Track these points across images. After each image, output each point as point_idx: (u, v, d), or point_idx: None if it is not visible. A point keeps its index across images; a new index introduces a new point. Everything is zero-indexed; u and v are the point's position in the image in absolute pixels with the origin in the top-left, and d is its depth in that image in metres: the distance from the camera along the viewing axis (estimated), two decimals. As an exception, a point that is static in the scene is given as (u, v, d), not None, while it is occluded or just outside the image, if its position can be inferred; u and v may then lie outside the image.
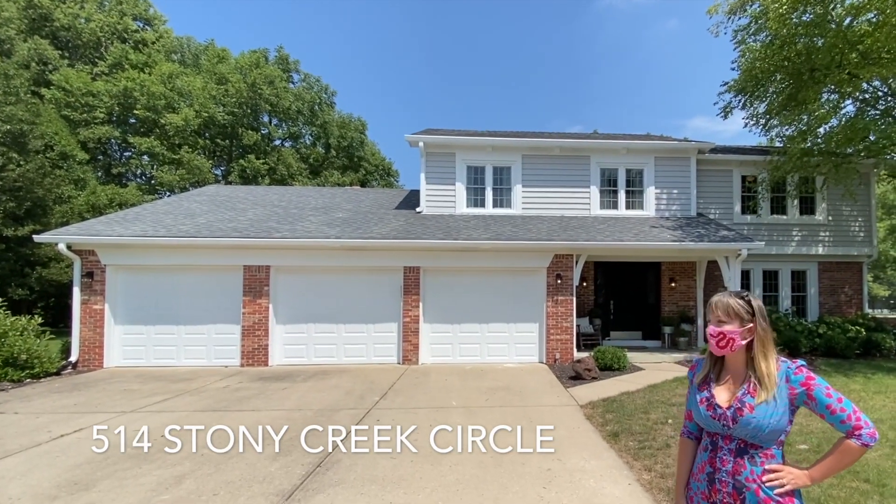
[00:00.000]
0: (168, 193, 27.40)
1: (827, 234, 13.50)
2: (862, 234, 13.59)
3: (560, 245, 10.60)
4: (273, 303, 10.72)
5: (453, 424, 6.23)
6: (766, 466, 1.67)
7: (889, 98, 11.30)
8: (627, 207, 13.07)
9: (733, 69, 12.82)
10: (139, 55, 29.17)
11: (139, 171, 30.05)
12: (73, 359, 10.19)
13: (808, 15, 10.79)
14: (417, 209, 13.01)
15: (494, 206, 12.97)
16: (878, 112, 11.29)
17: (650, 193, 13.08)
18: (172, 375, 9.55)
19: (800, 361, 1.74)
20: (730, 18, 12.65)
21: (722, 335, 1.73)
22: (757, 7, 11.72)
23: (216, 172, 31.41)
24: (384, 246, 10.58)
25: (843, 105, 11.78)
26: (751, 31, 11.94)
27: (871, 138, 10.36)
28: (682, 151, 13.04)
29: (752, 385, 1.71)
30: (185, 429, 6.09)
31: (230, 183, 28.55)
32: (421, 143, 12.68)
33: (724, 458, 1.72)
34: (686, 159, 12.99)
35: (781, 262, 13.42)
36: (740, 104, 12.88)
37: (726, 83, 12.86)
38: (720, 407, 1.74)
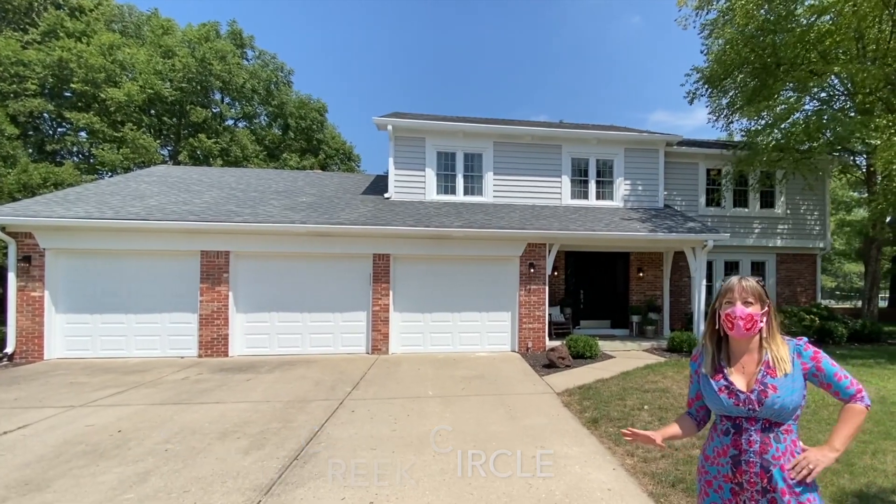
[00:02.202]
0: (110, 174, 25.56)
1: (785, 227, 14.08)
2: (817, 228, 14.24)
3: (534, 234, 10.58)
4: (233, 290, 10.18)
5: (431, 414, 6.12)
6: (787, 467, 1.70)
7: (844, 97, 11.93)
8: (597, 198, 13.20)
9: (703, 52, 13.16)
10: (76, 23, 26.83)
11: (76, 149, 27.84)
12: (8, 350, 9.32)
13: (773, 14, 11.17)
14: (386, 195, 12.67)
15: (465, 193, 12.80)
16: (834, 110, 11.88)
17: (619, 184, 13.25)
18: (123, 367, 8.92)
19: (805, 338, 1.86)
20: (697, 13, 12.98)
21: (751, 317, 1.76)
22: (724, 2, 12.06)
23: (163, 152, 29.58)
24: (353, 232, 10.23)
25: (804, 102, 12.36)
26: (718, 25, 12.26)
27: (828, 135, 10.89)
28: (651, 143, 13.25)
29: (768, 366, 1.76)
30: (144, 423, 5.70)
31: (179, 163, 26.97)
32: (389, 127, 12.31)
33: (752, 438, 1.74)
34: (655, 151, 13.22)
35: (742, 253, 13.94)
36: (707, 92, 13.24)
37: (695, 67, 13.18)
38: (742, 392, 1.76)
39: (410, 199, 12.52)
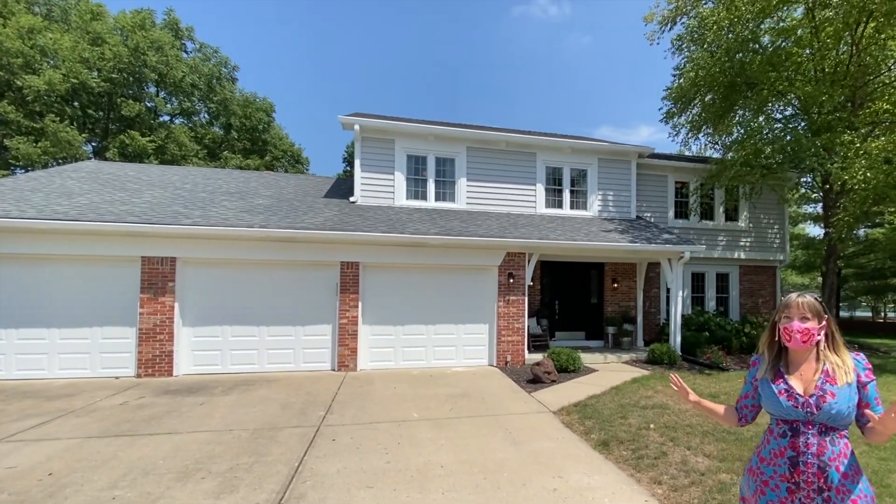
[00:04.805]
0: (26, 169, 22.94)
1: (748, 240, 14.51)
2: (777, 241, 14.78)
3: (514, 242, 10.14)
4: (180, 301, 9.02)
5: (425, 441, 5.48)
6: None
7: (803, 116, 12.48)
8: (572, 207, 13.02)
9: (673, 69, 13.40)
10: (-10, 3, 24.10)
11: (-16, 142, 24.81)
12: None
13: (736, 35, 11.52)
14: (351, 198, 11.85)
15: (437, 199, 12.21)
16: (790, 128, 12.40)
17: (593, 194, 13.14)
18: (46, 391, 7.58)
19: (862, 355, 2.00)
20: (662, 29, 13.24)
21: (807, 331, 1.90)
22: (690, 19, 12.37)
23: (87, 148, 26.93)
24: (319, 238, 9.36)
25: (772, 121, 12.87)
26: (690, 40, 12.50)
27: (787, 151, 11.31)
28: (624, 154, 13.25)
29: (828, 375, 1.88)
30: (81, 462, 4.69)
31: (107, 160, 24.61)
32: (356, 127, 11.55)
33: (810, 441, 1.85)
34: (627, 162, 13.24)
35: (708, 265, 14.19)
36: (677, 108, 13.48)
37: (668, 88, 13.40)
38: (801, 396, 1.89)
39: (378, 204, 11.78)
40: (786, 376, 1.97)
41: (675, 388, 2.45)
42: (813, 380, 1.89)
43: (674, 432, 5.72)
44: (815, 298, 1.97)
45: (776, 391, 1.95)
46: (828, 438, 1.83)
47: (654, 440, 5.48)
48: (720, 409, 2.31)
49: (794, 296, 2.01)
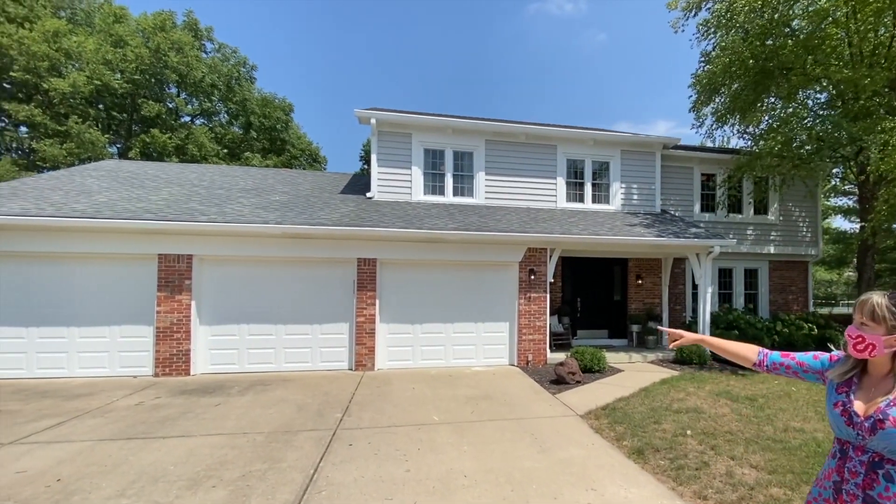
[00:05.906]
0: (51, 170, 23.38)
1: (778, 234, 13.84)
2: (809, 235, 14.10)
3: (535, 238, 9.79)
4: (196, 299, 8.92)
5: (446, 446, 5.22)
6: None
7: (840, 102, 11.83)
8: (594, 201, 12.57)
9: (703, 62, 12.82)
10: (18, 8, 24.48)
11: (14, 144, 25.36)
12: (-85, 373, 7.75)
13: (765, 18, 10.97)
14: (368, 194, 11.62)
15: (455, 194, 11.89)
16: (823, 115, 11.73)
17: (616, 187, 12.68)
18: (64, 390, 7.53)
19: None
20: (686, 16, 12.70)
21: (861, 339, 1.63)
22: (716, 4, 11.83)
23: (112, 149, 27.37)
24: (336, 234, 9.16)
25: (808, 108, 12.23)
26: (717, 25, 11.91)
27: (824, 140, 10.73)
28: (648, 146, 12.75)
29: None
30: (91, 467, 4.55)
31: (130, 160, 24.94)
32: (373, 120, 11.30)
33: (855, 469, 1.61)
34: (651, 154, 12.74)
35: (736, 260, 13.56)
36: (703, 97, 12.88)
37: (694, 75, 12.82)
38: (857, 415, 1.62)
39: (395, 200, 11.53)
40: (852, 388, 1.69)
41: (672, 339, 2.35)
42: (878, 400, 1.59)
43: (713, 439, 5.35)
44: (889, 299, 1.60)
45: (833, 401, 1.72)
46: (881, 471, 1.55)
47: (693, 448, 5.11)
48: (733, 345, 2.15)
49: (865, 294, 1.70)
